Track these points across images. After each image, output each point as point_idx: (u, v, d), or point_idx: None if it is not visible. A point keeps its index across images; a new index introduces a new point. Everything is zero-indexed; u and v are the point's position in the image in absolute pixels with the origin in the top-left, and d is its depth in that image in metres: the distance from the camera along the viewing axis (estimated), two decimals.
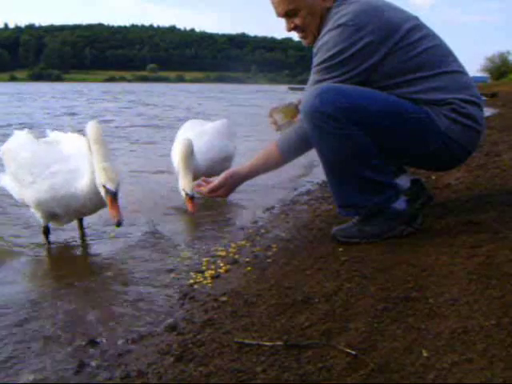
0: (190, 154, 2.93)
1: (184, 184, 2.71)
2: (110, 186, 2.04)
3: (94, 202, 2.22)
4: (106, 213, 2.70)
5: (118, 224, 2.01)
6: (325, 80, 1.88)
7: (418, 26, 1.89)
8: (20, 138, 2.44)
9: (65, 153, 2.31)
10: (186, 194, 2.68)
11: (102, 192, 2.08)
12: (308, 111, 1.85)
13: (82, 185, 2.19)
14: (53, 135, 2.53)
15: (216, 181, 2.09)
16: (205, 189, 2.11)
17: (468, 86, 1.90)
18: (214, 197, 2.15)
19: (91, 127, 2.17)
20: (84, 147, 2.21)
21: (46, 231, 2.43)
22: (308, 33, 2.01)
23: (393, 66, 1.84)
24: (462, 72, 1.92)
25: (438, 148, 1.88)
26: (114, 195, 2.05)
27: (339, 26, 1.82)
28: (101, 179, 2.06)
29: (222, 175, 2.09)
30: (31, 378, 1.22)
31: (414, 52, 1.84)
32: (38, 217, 2.38)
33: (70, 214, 2.34)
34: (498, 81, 38.17)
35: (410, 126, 1.84)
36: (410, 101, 1.86)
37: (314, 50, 1.96)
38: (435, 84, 1.85)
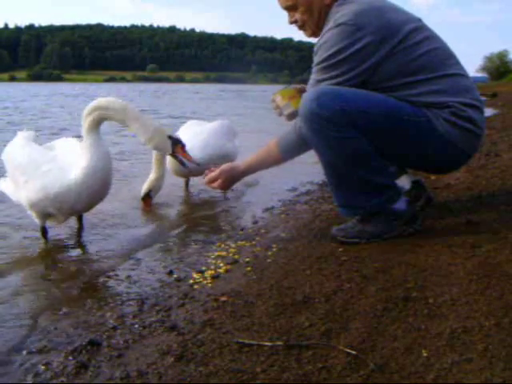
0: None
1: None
2: (175, 135, 2.25)
3: (87, 196, 2.22)
4: (105, 213, 2.70)
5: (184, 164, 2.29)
6: (324, 80, 1.87)
7: (419, 27, 1.87)
8: (16, 141, 2.44)
9: (55, 153, 2.33)
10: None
11: (169, 145, 2.22)
12: (306, 114, 1.84)
13: (73, 178, 2.18)
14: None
15: (214, 172, 2.15)
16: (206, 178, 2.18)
17: (469, 89, 1.89)
18: (212, 187, 2.21)
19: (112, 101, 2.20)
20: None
21: (44, 232, 2.42)
22: (307, 27, 2.05)
23: (393, 67, 1.83)
24: (462, 75, 1.90)
25: (437, 151, 1.87)
26: (182, 143, 2.26)
27: (339, 25, 1.82)
28: (165, 131, 2.22)
29: (219, 167, 2.13)
30: (31, 378, 1.22)
31: (415, 54, 1.82)
32: (34, 217, 2.38)
33: (65, 212, 2.33)
34: (498, 81, 38.09)
35: (408, 129, 1.83)
36: (409, 103, 1.84)
37: (315, 49, 1.96)
38: (435, 87, 1.84)
